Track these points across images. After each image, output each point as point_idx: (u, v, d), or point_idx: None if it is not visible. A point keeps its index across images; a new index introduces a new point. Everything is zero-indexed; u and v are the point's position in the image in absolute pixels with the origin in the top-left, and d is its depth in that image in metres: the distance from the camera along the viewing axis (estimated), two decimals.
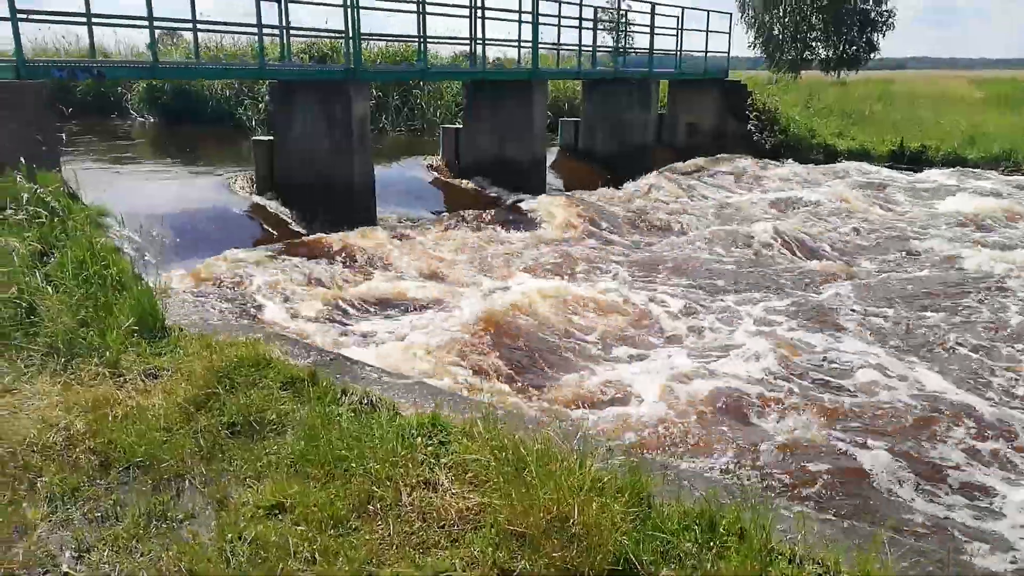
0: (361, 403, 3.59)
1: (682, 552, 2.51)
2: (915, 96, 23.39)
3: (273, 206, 9.07)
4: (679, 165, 15.21)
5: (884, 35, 34.59)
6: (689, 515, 2.72)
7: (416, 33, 10.23)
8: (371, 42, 15.11)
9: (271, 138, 9.54)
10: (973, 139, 16.36)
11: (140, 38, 38.20)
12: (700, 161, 15.42)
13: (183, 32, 14.21)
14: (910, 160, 15.79)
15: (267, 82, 10.72)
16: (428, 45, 10.90)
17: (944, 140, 16.41)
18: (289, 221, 8.91)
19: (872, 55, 35.45)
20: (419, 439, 3.19)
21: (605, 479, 2.80)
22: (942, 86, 27.86)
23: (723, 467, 3.87)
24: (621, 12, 16.89)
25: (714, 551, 2.50)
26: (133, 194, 8.12)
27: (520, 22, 11.88)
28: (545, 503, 2.58)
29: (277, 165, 9.33)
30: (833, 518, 2.99)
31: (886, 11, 34.18)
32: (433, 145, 12.95)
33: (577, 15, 13.11)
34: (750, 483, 3.64)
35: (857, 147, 16.57)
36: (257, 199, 9.14)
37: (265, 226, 8.62)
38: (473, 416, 3.32)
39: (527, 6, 11.72)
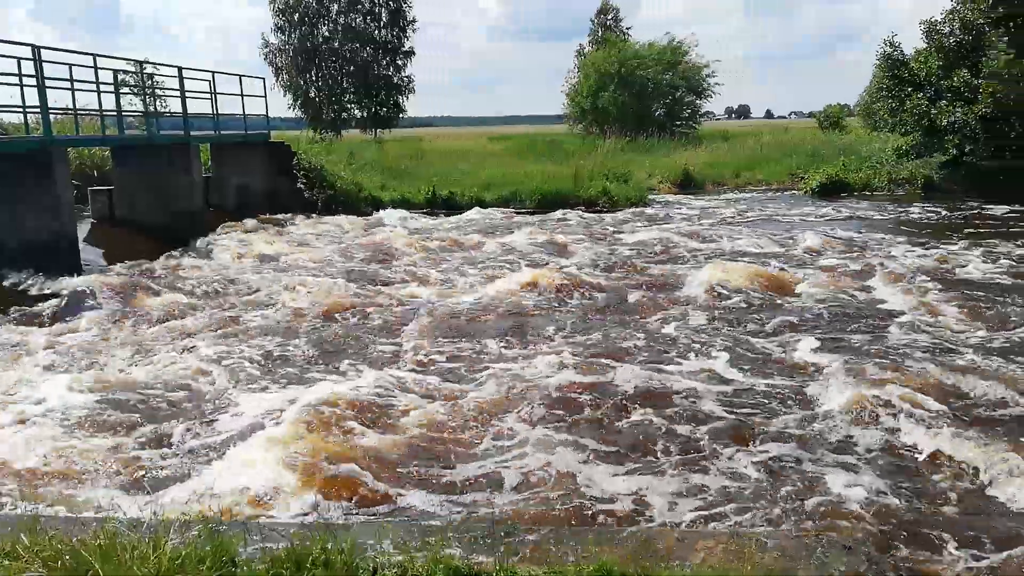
0: None
1: None
2: (444, 151, 26.82)
3: None
4: (234, 226, 14.92)
5: (408, 98, 38.84)
6: (277, 562, 2.78)
7: None
8: None
9: None
10: (488, 185, 19.42)
11: None
12: (253, 222, 15.31)
13: None
14: (443, 205, 18.05)
15: None
16: None
17: (468, 187, 19.15)
18: None
19: (401, 115, 39.46)
20: None
21: (184, 553, 2.70)
22: (465, 142, 32.35)
23: (307, 509, 4.00)
24: (147, 75, 16.00)
25: None
26: None
27: (22, 85, 10.49)
28: None
29: None
30: (411, 521, 3.34)
31: (406, 77, 38.46)
32: None
33: (94, 78, 12.07)
34: (333, 515, 3.83)
35: (399, 197, 18.35)
36: None
37: None
38: (15, 531, 2.89)
39: (28, 68, 10.40)
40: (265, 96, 18.60)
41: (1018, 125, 19.78)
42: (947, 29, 20.34)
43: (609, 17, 46.77)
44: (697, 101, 39.08)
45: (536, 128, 53.92)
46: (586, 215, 17.32)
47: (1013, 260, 11.12)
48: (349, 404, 5.47)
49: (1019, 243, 12.50)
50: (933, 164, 21.05)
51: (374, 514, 4.05)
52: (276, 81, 37.23)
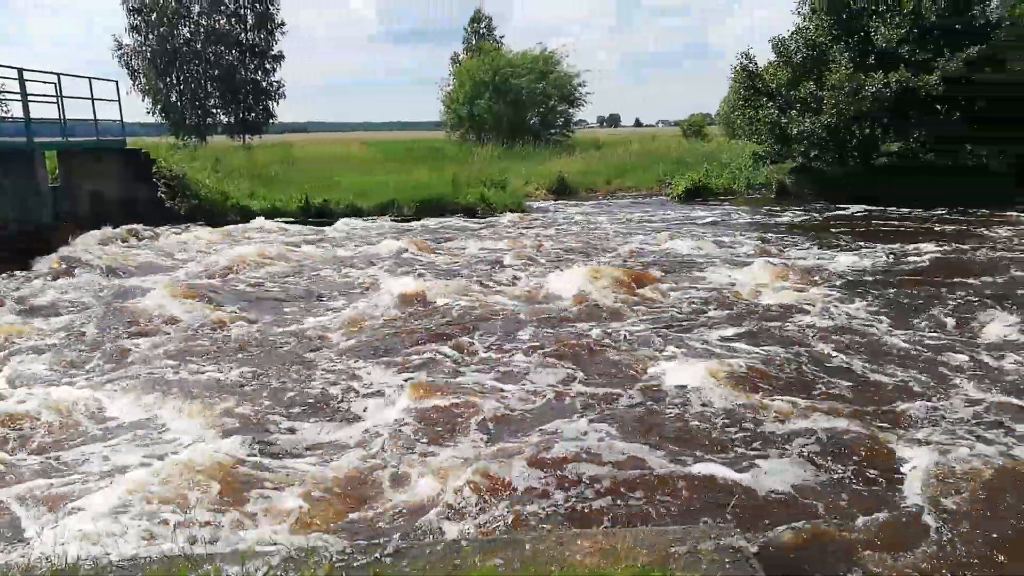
0: None
1: None
2: (318, 158, 26.07)
3: None
4: (84, 237, 13.83)
5: (278, 103, 37.60)
6: None
7: None
8: None
9: None
10: (365, 193, 19.05)
11: None
12: (102, 234, 14.22)
13: None
14: (317, 214, 17.52)
15: None
16: None
17: (343, 195, 18.70)
18: None
19: (271, 121, 38.15)
20: None
21: None
22: (340, 148, 31.56)
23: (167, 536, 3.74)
24: None
25: None
26: None
27: None
28: None
29: None
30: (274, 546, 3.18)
31: (276, 82, 37.21)
32: None
33: None
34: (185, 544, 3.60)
35: (269, 206, 17.66)
36: None
37: None
38: None
39: None
40: (119, 100, 17.47)
41: (858, 133, 21.59)
42: (794, 46, 21.89)
43: (482, 25, 47.26)
44: (570, 110, 40.13)
45: (413, 134, 53.62)
46: (466, 221, 17.36)
47: (871, 256, 12.06)
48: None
49: (875, 239, 13.60)
50: (785, 170, 22.60)
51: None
52: (133, 85, 35.10)
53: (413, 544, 3.43)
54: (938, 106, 19.81)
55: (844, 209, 18.62)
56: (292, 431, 5.47)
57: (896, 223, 16.21)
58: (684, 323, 8.19)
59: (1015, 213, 16.99)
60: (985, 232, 14.57)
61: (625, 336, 7.66)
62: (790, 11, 26.03)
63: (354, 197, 18.68)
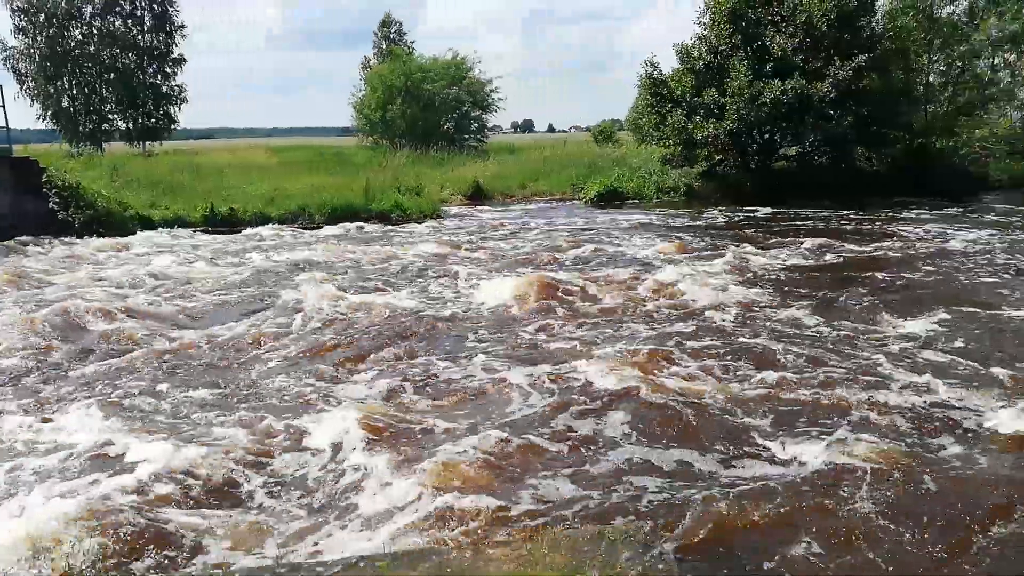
0: None
1: None
2: (224, 165, 25.21)
3: None
4: None
5: (180, 108, 36.19)
6: None
7: None
8: None
9: None
10: (273, 200, 18.55)
11: None
12: None
13: None
14: (223, 223, 16.93)
15: None
16: None
17: (250, 203, 18.15)
18: None
19: (173, 126, 36.69)
20: None
21: None
22: (245, 154, 30.61)
23: None
24: None
25: None
26: None
27: None
28: None
29: None
30: None
31: (177, 87, 35.81)
32: None
33: None
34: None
35: (172, 216, 16.95)
36: None
37: None
38: None
39: None
40: (3, 106, 16.43)
41: (759, 137, 22.56)
42: (696, 53, 22.66)
43: (392, 30, 46.86)
44: (483, 115, 40.27)
45: (324, 140, 52.62)
46: (380, 228, 17.14)
47: (781, 254, 12.57)
48: None
49: (782, 238, 14.19)
50: (693, 174, 23.36)
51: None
52: (21, 89, 33.11)
53: (324, 561, 3.35)
54: (830, 111, 20.94)
55: (754, 211, 19.30)
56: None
57: (799, 223, 16.98)
58: (603, 323, 8.33)
59: (902, 210, 18.15)
60: (877, 229, 15.49)
61: (543, 340, 7.73)
62: (691, 21, 27.01)
63: (263, 205, 18.17)
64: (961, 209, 18.78)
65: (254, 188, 19.75)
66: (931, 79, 25.16)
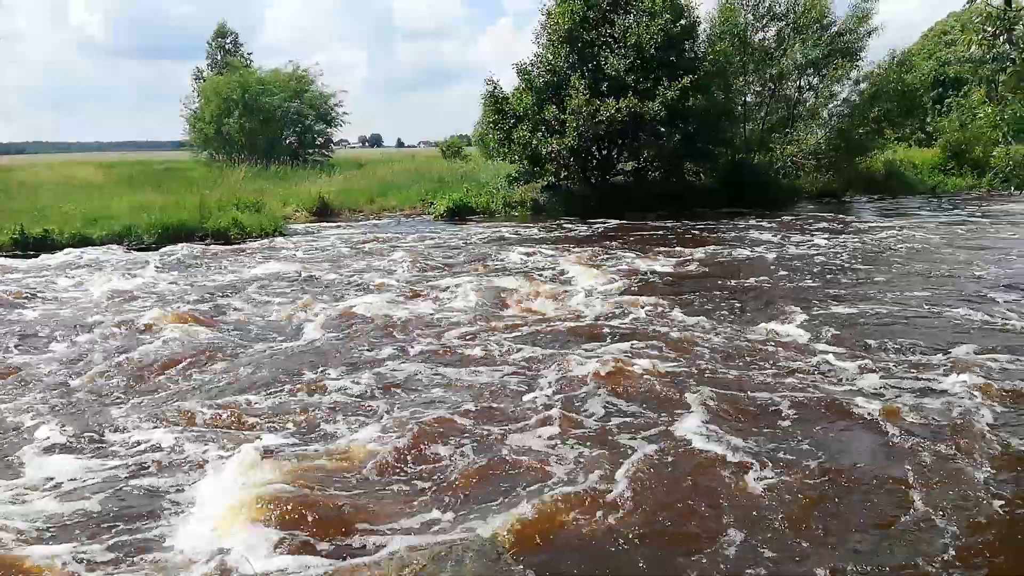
0: None
1: None
2: (41, 183, 23.02)
3: None
4: None
5: None
6: None
7: None
8: None
9: None
10: (96, 220, 17.14)
11: None
12: None
13: None
14: (35, 247, 15.42)
15: None
16: None
17: (68, 223, 16.67)
18: None
19: None
20: None
21: None
22: (68, 171, 28.14)
23: None
24: None
25: None
26: None
27: None
28: None
29: None
30: None
31: None
32: None
33: None
34: None
35: None
36: None
37: None
38: None
39: None
40: None
41: (597, 153, 23.63)
42: (535, 72, 23.42)
43: (228, 41, 44.83)
44: (328, 129, 39.42)
45: (155, 155, 49.36)
46: (216, 248, 16.27)
47: (633, 262, 13.15)
48: None
49: (630, 248, 14.86)
50: (538, 188, 24.04)
51: None
52: None
53: None
54: (661, 128, 22.31)
55: (604, 223, 20.03)
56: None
57: (641, 233, 17.93)
58: (458, 333, 8.35)
59: (730, 219, 19.69)
60: (716, 236, 16.71)
61: (389, 360, 7.65)
62: (530, 40, 27.86)
63: (83, 225, 16.74)
64: (780, 217, 20.66)
65: (76, 208, 18.17)
66: (748, 99, 27.52)
